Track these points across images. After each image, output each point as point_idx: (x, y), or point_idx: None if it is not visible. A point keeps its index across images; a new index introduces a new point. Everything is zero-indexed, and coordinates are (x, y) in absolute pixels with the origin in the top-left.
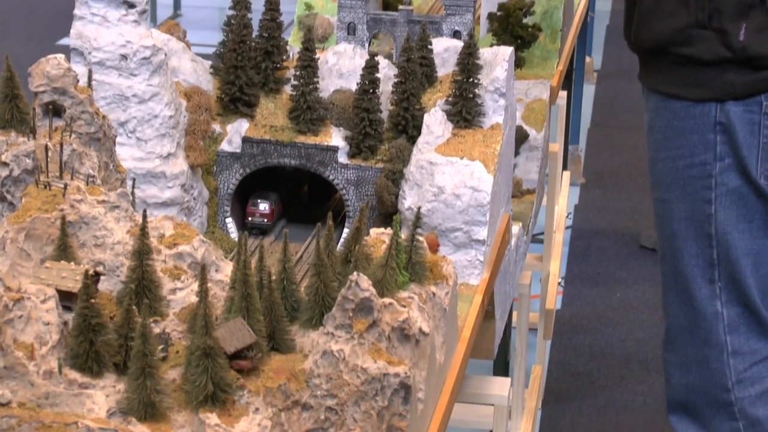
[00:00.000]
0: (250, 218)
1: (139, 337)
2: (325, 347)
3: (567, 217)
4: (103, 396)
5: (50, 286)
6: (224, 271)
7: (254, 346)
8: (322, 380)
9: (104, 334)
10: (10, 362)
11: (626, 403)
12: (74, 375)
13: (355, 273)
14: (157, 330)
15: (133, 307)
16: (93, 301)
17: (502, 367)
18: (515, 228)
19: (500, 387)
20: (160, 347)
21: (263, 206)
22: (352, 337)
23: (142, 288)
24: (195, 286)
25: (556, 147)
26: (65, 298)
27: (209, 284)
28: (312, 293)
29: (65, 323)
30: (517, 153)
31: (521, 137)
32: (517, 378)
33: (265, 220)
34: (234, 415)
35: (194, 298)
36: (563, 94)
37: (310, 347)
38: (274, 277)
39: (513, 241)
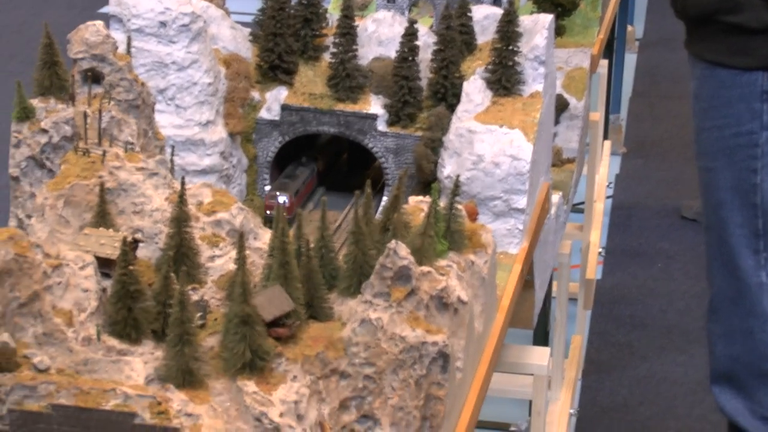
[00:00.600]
0: (268, 211)
1: (177, 304)
2: (363, 315)
3: (608, 186)
4: (141, 363)
5: (89, 253)
6: (262, 238)
7: (292, 314)
8: (360, 348)
9: (142, 301)
10: (48, 329)
11: (667, 374)
12: (113, 342)
13: (393, 241)
14: (195, 297)
15: (172, 274)
16: (131, 267)
17: (541, 337)
18: (555, 197)
19: (540, 356)
20: (198, 314)
21: (282, 199)
22: (390, 305)
23: (181, 255)
24: (233, 253)
25: (597, 116)
26: (104, 264)
27: (247, 252)
28: (350, 261)
29: (104, 290)
30: (557, 122)
31: (561, 106)
32: (557, 348)
33: (285, 214)
34: (272, 382)
35: (232, 266)
36: (604, 62)
37: (348, 315)
38: (312, 245)
39: (553, 210)
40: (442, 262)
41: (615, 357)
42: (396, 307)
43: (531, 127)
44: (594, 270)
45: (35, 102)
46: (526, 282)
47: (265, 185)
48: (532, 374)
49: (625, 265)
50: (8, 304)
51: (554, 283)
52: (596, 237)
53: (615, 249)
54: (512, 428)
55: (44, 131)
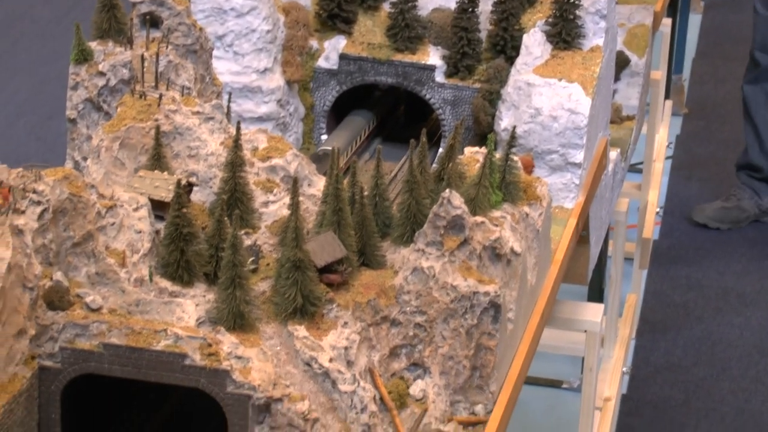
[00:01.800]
0: None
1: (229, 248)
2: (415, 264)
3: (667, 146)
4: (192, 305)
5: (143, 195)
6: (317, 185)
7: (344, 261)
8: (412, 297)
9: (195, 244)
10: (101, 269)
11: (722, 336)
12: (165, 283)
13: (447, 190)
14: (248, 242)
15: (225, 218)
16: (185, 210)
17: (596, 294)
18: (613, 153)
19: (593, 313)
20: (251, 259)
21: None
22: (442, 254)
23: (234, 200)
24: (287, 199)
25: (659, 75)
26: (158, 207)
27: (301, 198)
28: (404, 210)
29: (157, 232)
30: (617, 78)
31: (622, 62)
32: (611, 306)
33: None
34: (322, 328)
35: (286, 212)
36: (667, 21)
37: (400, 263)
38: (366, 193)
39: (610, 167)
40: (496, 213)
41: (670, 317)
42: (448, 257)
43: (590, 81)
44: (651, 230)
45: (93, 45)
46: (581, 237)
47: (322, 134)
48: (585, 331)
49: (683, 226)
50: (62, 243)
51: (610, 242)
52: (654, 197)
53: (673, 209)
54: (564, 385)
55: (102, 74)
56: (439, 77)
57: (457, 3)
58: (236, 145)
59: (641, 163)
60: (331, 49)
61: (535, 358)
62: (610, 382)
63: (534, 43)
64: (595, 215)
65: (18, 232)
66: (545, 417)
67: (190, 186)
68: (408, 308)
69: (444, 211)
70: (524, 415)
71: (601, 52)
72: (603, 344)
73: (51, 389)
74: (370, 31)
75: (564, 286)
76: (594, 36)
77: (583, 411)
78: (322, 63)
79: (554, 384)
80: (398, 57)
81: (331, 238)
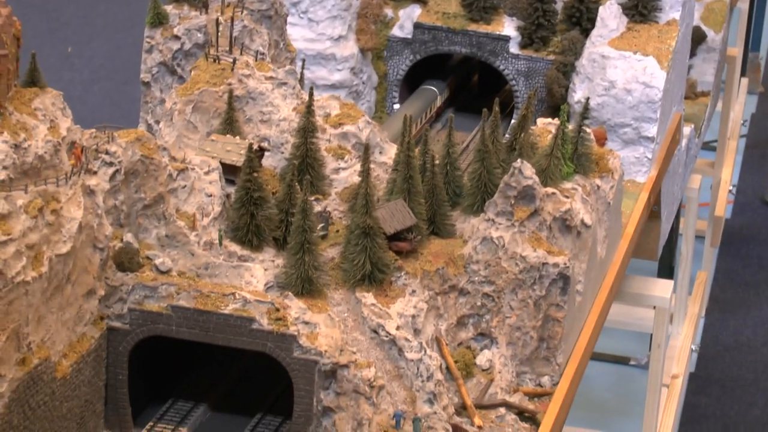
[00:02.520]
0: None
1: (299, 213)
2: (485, 233)
3: (742, 125)
4: (261, 269)
5: (215, 159)
6: (388, 153)
7: (414, 229)
8: (481, 266)
9: (265, 209)
10: (172, 231)
11: None
12: (234, 247)
13: (519, 160)
14: (318, 208)
15: (296, 183)
16: (256, 175)
17: (666, 271)
18: (687, 129)
19: (663, 289)
20: (321, 225)
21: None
22: (512, 224)
23: (306, 165)
24: (358, 166)
25: (735, 52)
26: (229, 171)
27: (372, 165)
28: (475, 179)
29: (227, 196)
30: (693, 54)
31: (698, 38)
32: (681, 283)
33: None
34: (390, 295)
35: (357, 179)
36: None
37: (470, 233)
38: (437, 162)
39: (683, 142)
40: (568, 185)
41: (740, 296)
42: (518, 227)
43: (665, 55)
44: (723, 208)
45: (169, 8)
46: (652, 212)
47: (394, 103)
48: (654, 307)
49: (756, 205)
50: (133, 204)
51: (681, 219)
52: (727, 175)
53: (746, 188)
54: (632, 362)
55: (176, 38)
56: (514, 48)
57: None
58: (309, 111)
59: (715, 141)
60: (406, 18)
61: (603, 335)
62: (678, 359)
63: (610, 15)
64: (667, 190)
65: (89, 192)
66: (611, 393)
67: (261, 151)
68: (476, 278)
69: (515, 180)
70: (590, 390)
71: (677, 26)
72: (672, 321)
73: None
74: (445, 1)
75: (634, 261)
76: (670, 9)
77: (650, 388)
78: (396, 32)
79: (622, 360)
80: (473, 27)
81: (401, 206)
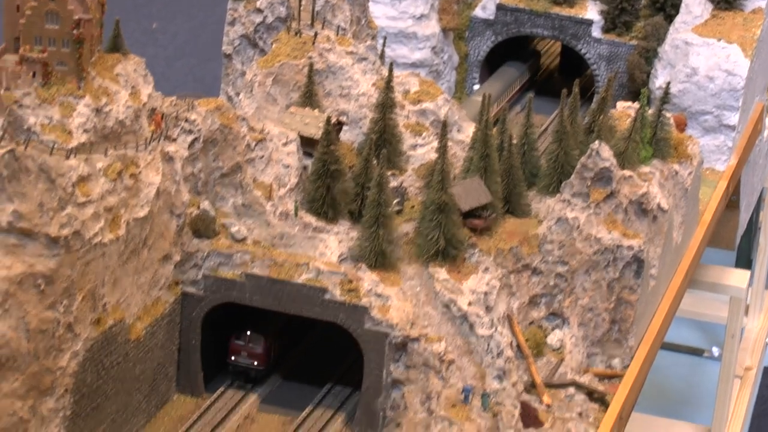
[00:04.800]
0: (233, 357)
1: (375, 187)
2: (560, 214)
3: None
4: (336, 241)
5: (293, 131)
6: (466, 131)
7: (489, 206)
8: (555, 246)
9: (342, 182)
10: (248, 200)
11: None
12: (309, 218)
13: (596, 142)
14: (394, 183)
15: (373, 157)
16: (333, 148)
17: (743, 261)
18: None
19: (739, 279)
20: (396, 200)
21: (253, 344)
22: (588, 206)
23: (383, 141)
24: (435, 143)
25: None
26: (306, 143)
27: (449, 143)
28: (552, 160)
29: (304, 168)
30: None
31: None
32: (758, 274)
33: (255, 363)
34: (463, 272)
35: (433, 155)
36: None
37: (545, 213)
38: (515, 141)
39: (766, 133)
40: (645, 168)
41: None
42: (594, 208)
43: (750, 43)
44: None
45: None
46: (731, 202)
47: (474, 84)
48: (729, 297)
49: None
50: (211, 173)
51: (761, 211)
52: None
53: None
54: (705, 354)
55: (259, 11)
56: (596, 32)
57: None
58: (388, 86)
59: None
60: None
61: (677, 325)
62: (752, 351)
63: (694, 2)
64: (746, 180)
65: (168, 159)
66: (683, 383)
67: (339, 125)
68: (550, 258)
69: (592, 162)
70: (662, 379)
71: (762, 14)
72: (747, 313)
73: (193, 315)
74: None
75: (710, 250)
76: None
77: (722, 378)
78: (478, 12)
79: (695, 352)
80: (556, 10)
81: (477, 184)
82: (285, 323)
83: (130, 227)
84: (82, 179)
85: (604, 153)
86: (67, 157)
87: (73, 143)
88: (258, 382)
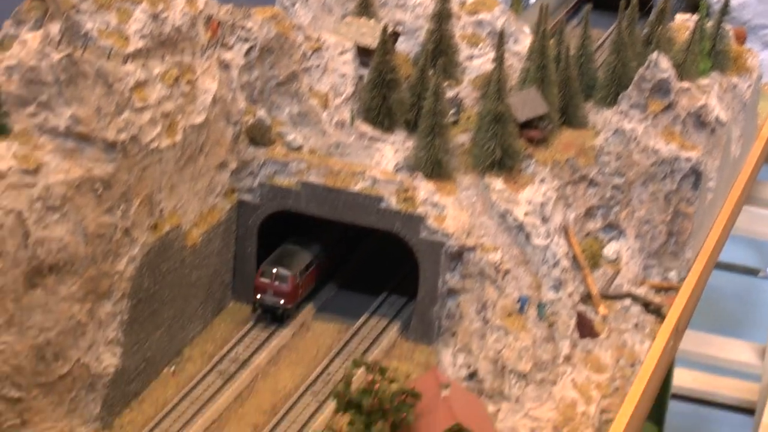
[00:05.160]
0: (259, 295)
1: (431, 96)
2: (617, 125)
3: None
4: (391, 150)
5: (349, 40)
6: (522, 43)
7: (546, 117)
8: (612, 158)
9: (398, 92)
10: (304, 109)
11: None
12: (365, 128)
13: (655, 53)
14: (450, 94)
15: (429, 67)
16: (389, 57)
17: None
18: None
19: None
20: (452, 111)
21: (280, 282)
22: (646, 117)
23: (439, 51)
24: (492, 54)
25: None
26: (363, 53)
27: (506, 54)
28: (609, 71)
29: (360, 77)
30: None
31: None
32: None
33: (282, 301)
34: (519, 182)
35: (490, 66)
36: None
37: (602, 125)
38: (572, 53)
39: None
40: (704, 81)
41: None
42: (651, 120)
43: None
44: None
45: None
46: None
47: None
48: None
49: None
50: (267, 81)
51: None
52: None
53: None
54: (760, 274)
55: None
56: None
57: None
58: None
59: None
60: None
61: (733, 245)
62: None
63: None
64: None
65: (225, 66)
66: (737, 302)
67: (395, 35)
68: (607, 169)
69: (650, 73)
70: (717, 298)
71: None
72: None
73: (248, 223)
74: None
75: None
76: None
77: None
78: None
79: (750, 272)
80: None
81: (534, 94)
82: (340, 233)
83: (186, 133)
84: (139, 85)
85: (663, 64)
86: (124, 63)
87: (130, 49)
88: (285, 320)
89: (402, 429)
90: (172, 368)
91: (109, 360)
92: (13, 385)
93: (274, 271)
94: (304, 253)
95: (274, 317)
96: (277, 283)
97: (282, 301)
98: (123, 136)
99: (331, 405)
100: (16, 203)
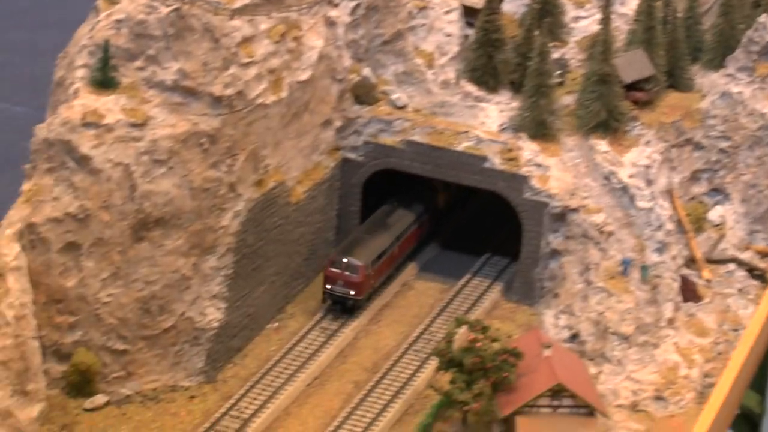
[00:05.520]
0: (328, 285)
1: (537, 57)
2: (724, 88)
3: None
4: (496, 110)
5: (455, 0)
6: (629, 5)
7: (652, 79)
8: (718, 121)
9: (503, 52)
10: (409, 68)
11: None
12: (470, 87)
13: (763, 15)
14: (556, 55)
15: (535, 28)
16: (495, 17)
17: None
18: None
19: None
20: (558, 72)
21: (350, 272)
22: (753, 80)
23: (545, 12)
24: (598, 15)
25: None
26: (468, 13)
27: (613, 15)
28: (716, 33)
29: (466, 37)
30: None
31: None
32: None
33: (351, 292)
34: (624, 144)
35: (596, 28)
36: None
37: (708, 88)
38: (680, 14)
39: None
40: None
41: None
42: (759, 83)
43: None
44: None
45: None
46: None
47: None
48: None
49: None
50: (372, 40)
51: None
52: None
53: None
54: None
55: None
56: None
57: None
58: None
59: None
60: None
61: None
62: None
63: None
64: None
65: (331, 24)
66: None
67: None
68: (713, 132)
69: (759, 36)
70: None
71: None
72: None
73: (352, 181)
74: None
75: None
76: None
77: None
78: None
79: None
80: None
81: (640, 56)
82: (442, 192)
83: (292, 90)
84: (246, 40)
85: None
86: (231, 18)
87: (237, 4)
88: (354, 312)
89: (503, 388)
90: (276, 324)
91: (213, 314)
92: (119, 337)
93: (345, 260)
94: (378, 240)
95: (343, 308)
96: (347, 273)
97: (352, 292)
98: (229, 91)
99: (433, 363)
100: (123, 156)
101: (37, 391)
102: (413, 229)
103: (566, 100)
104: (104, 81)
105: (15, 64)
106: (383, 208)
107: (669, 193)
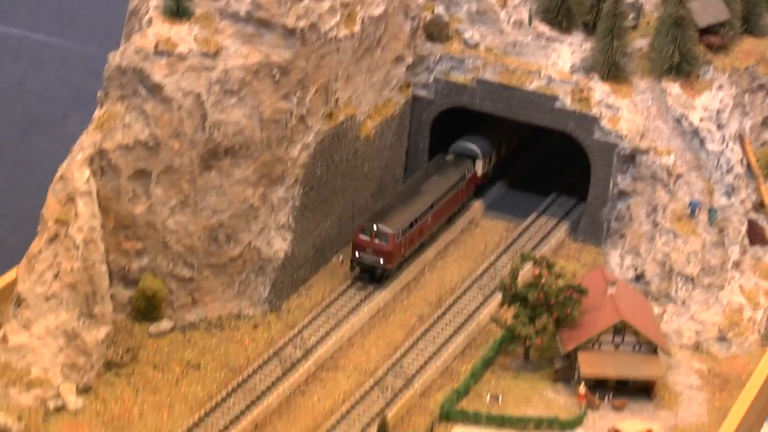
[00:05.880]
0: (357, 253)
1: None
2: None
3: None
4: (569, 51)
5: None
6: None
7: (727, 24)
8: None
9: None
10: (483, 7)
11: None
12: (543, 28)
13: None
14: None
15: None
16: None
17: None
18: None
19: None
20: (632, 15)
21: (380, 240)
22: None
23: None
24: None
25: None
26: None
27: None
28: None
29: None
30: None
31: None
32: None
33: (381, 260)
34: (696, 88)
35: None
36: None
37: None
38: None
39: None
40: None
41: None
42: None
43: None
44: None
45: None
46: None
47: None
48: None
49: None
50: None
51: None
52: None
53: None
54: None
55: None
56: None
57: None
58: None
59: None
60: None
61: None
62: None
63: None
64: None
65: None
66: None
67: None
68: None
69: None
70: None
71: None
72: None
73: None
74: None
75: None
76: None
77: None
78: None
79: None
80: None
81: (715, 0)
82: (511, 132)
83: (364, 24)
84: None
85: None
86: None
87: None
88: (383, 281)
89: (566, 324)
90: (341, 257)
91: (279, 245)
92: (186, 264)
93: (375, 228)
94: (412, 207)
95: (372, 278)
96: (377, 241)
97: (381, 261)
98: (302, 23)
99: (497, 298)
100: (195, 85)
101: (104, 315)
102: (453, 194)
103: (639, 43)
104: (178, 10)
105: (88, 5)
106: (430, 163)
107: (740, 137)
